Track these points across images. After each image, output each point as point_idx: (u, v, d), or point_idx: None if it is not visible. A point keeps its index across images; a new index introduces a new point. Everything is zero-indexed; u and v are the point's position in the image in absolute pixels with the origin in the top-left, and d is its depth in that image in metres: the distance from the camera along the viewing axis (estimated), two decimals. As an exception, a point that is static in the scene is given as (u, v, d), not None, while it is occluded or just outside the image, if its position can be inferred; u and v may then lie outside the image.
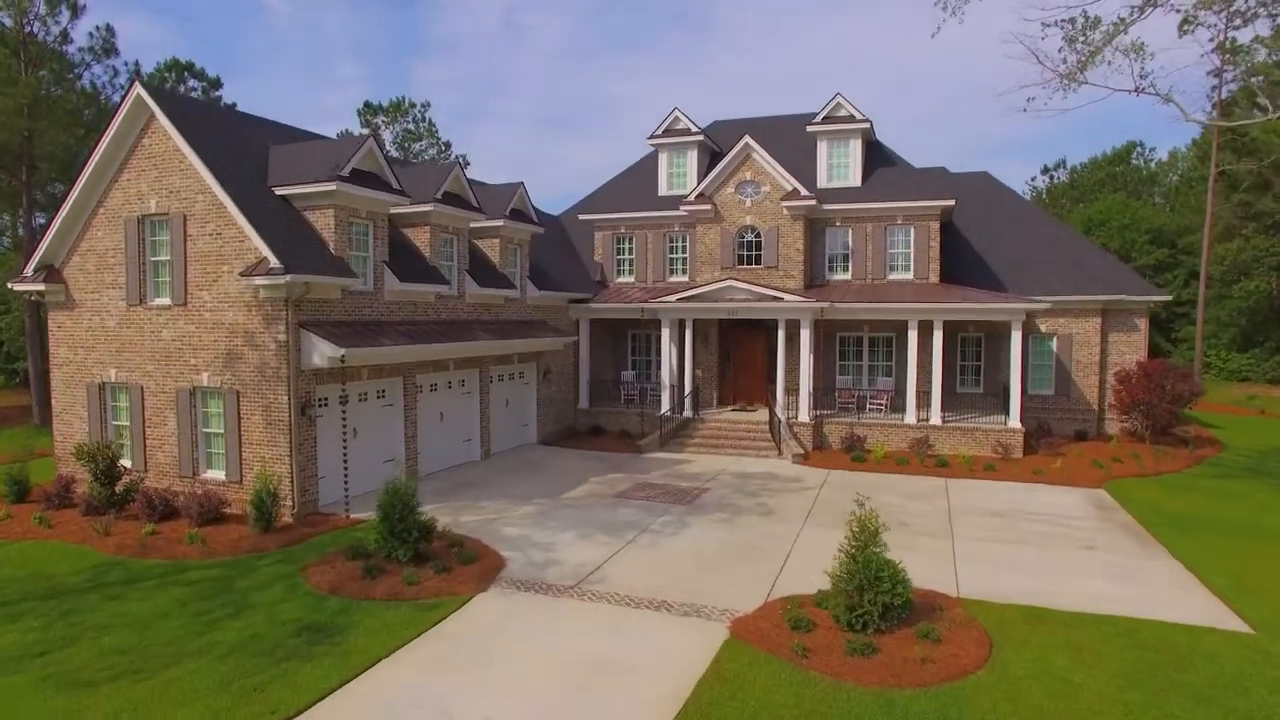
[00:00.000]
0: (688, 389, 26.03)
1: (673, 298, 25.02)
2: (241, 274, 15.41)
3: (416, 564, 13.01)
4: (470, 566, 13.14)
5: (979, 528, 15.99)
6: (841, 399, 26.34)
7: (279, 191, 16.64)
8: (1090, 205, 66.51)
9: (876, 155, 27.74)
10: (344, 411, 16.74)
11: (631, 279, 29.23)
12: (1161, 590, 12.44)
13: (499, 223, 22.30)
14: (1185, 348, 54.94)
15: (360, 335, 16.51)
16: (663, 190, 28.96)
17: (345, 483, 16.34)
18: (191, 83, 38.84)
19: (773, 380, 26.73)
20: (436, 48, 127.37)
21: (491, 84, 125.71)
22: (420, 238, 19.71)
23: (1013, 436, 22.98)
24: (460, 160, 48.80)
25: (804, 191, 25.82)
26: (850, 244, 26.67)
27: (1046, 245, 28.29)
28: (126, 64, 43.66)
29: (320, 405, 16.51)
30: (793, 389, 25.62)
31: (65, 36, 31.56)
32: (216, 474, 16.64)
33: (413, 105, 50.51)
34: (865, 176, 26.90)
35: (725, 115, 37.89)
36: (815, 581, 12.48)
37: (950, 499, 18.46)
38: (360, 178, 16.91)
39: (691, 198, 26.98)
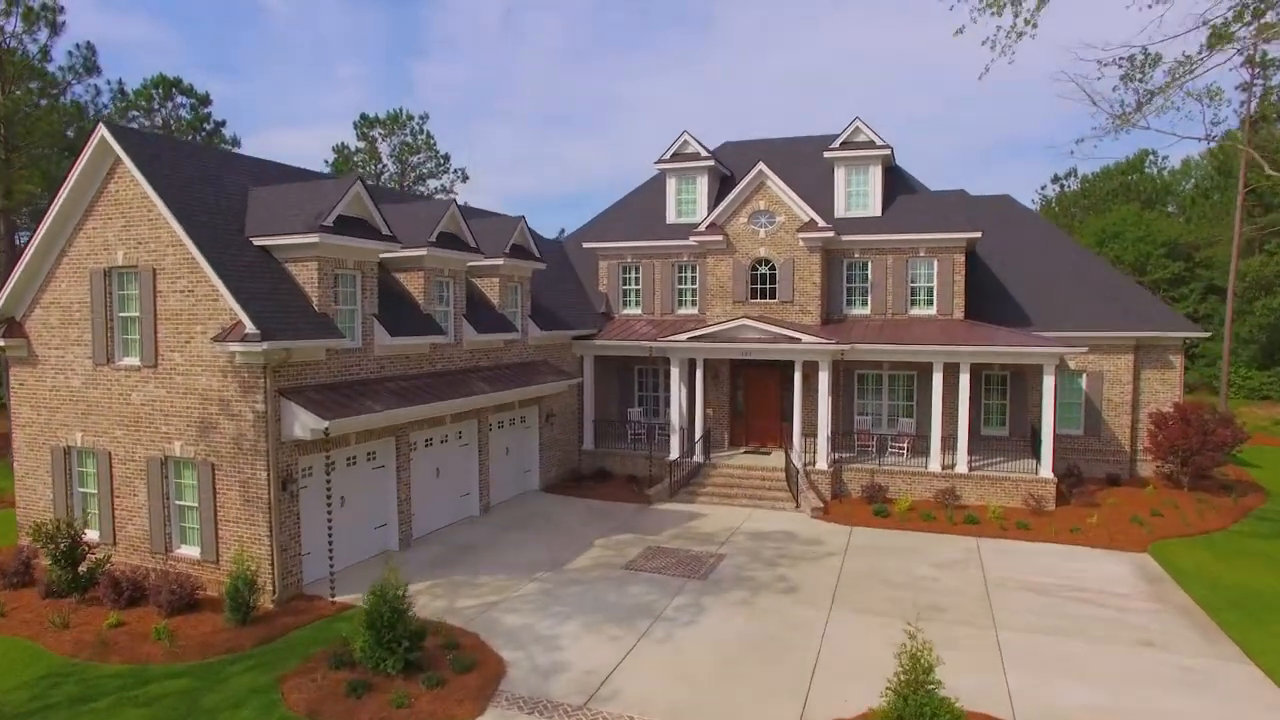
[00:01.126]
0: (698, 431, 24.62)
1: (683, 336, 23.62)
2: (215, 339, 14.02)
3: (407, 676, 11.63)
4: (467, 676, 11.77)
5: (1022, 611, 14.59)
6: (860, 440, 24.95)
7: (258, 242, 15.23)
8: (1103, 216, 65.10)
9: (896, 181, 26.32)
10: (329, 480, 15.34)
11: (638, 311, 27.83)
12: (1241, 705, 11.05)
13: (498, 261, 20.90)
14: (1203, 364, 53.56)
15: (347, 399, 15.11)
16: (671, 218, 27.55)
17: (330, 562, 14.94)
18: (179, 99, 37.43)
19: (788, 419, 25.35)
20: (436, 46, 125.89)
21: (491, 83, 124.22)
22: (413, 283, 18.31)
23: (1045, 488, 21.58)
24: (455, 197, 47.31)
25: (821, 223, 24.41)
26: (870, 277, 25.26)
27: (1074, 275, 26.88)
28: (109, 82, 41.96)
29: (304, 475, 15.13)
30: (809, 431, 24.24)
31: (45, 54, 30.15)
32: (190, 551, 15.25)
33: (410, 117, 49.10)
34: (885, 205, 25.48)
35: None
36: (852, 698, 11.10)
37: (985, 568, 17.06)
38: (346, 225, 15.51)
39: (702, 228, 25.57)
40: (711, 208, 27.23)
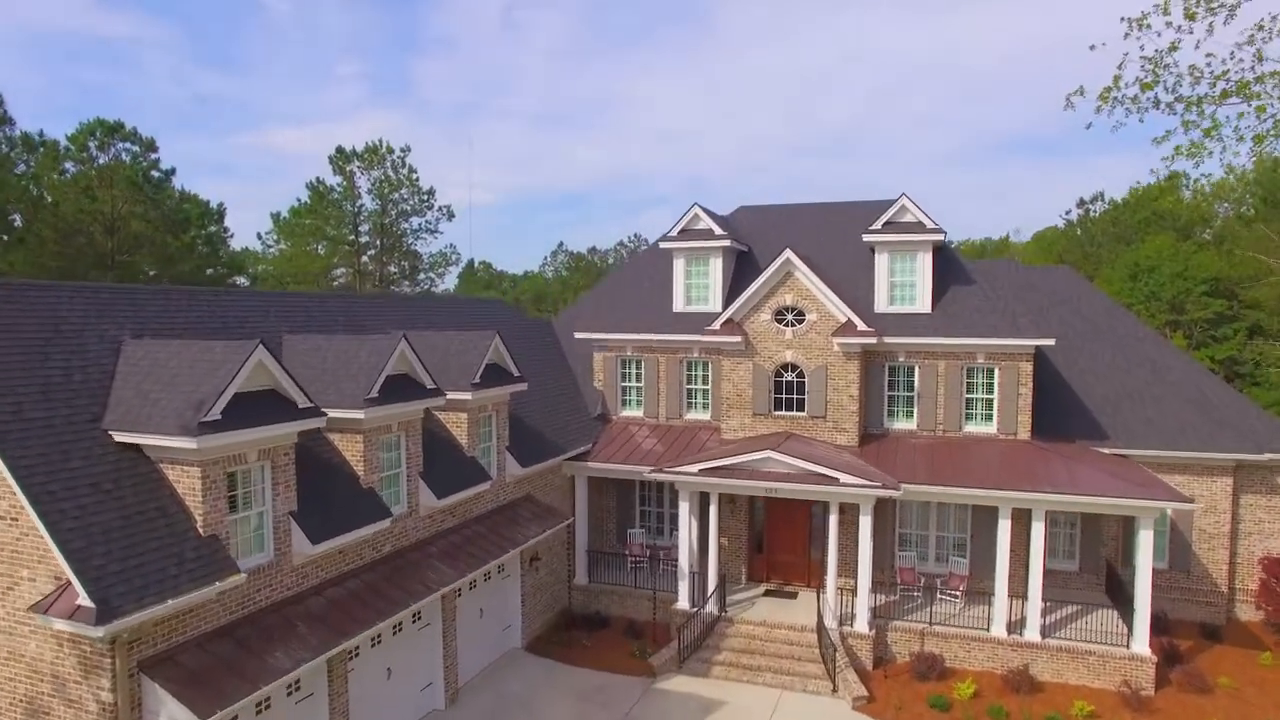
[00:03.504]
0: (711, 568, 20.46)
1: (693, 467, 19.51)
2: (32, 608, 9.93)
3: None
4: None
5: None
6: (903, 580, 20.86)
7: (121, 438, 11.14)
8: (1136, 248, 60.95)
9: (946, 266, 22.17)
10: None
11: (640, 413, 23.71)
12: None
13: (465, 396, 16.80)
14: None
15: (244, 656, 11.02)
16: (679, 305, 23.42)
17: None
18: (122, 145, 33.22)
19: (816, 551, 21.28)
20: (435, 45, 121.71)
21: (491, 82, 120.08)
22: (350, 448, 14.21)
23: (1141, 668, 17.51)
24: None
25: (861, 325, 20.31)
26: (917, 385, 21.16)
27: (1153, 372, 22.78)
28: (34, 134, 34.19)
29: (185, 757, 11.04)
30: (845, 570, 20.22)
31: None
32: None
33: (390, 150, 44.94)
34: (936, 299, 21.35)
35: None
36: None
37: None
38: (244, 409, 11.41)
39: (716, 325, 21.47)
40: (726, 291, 23.12)
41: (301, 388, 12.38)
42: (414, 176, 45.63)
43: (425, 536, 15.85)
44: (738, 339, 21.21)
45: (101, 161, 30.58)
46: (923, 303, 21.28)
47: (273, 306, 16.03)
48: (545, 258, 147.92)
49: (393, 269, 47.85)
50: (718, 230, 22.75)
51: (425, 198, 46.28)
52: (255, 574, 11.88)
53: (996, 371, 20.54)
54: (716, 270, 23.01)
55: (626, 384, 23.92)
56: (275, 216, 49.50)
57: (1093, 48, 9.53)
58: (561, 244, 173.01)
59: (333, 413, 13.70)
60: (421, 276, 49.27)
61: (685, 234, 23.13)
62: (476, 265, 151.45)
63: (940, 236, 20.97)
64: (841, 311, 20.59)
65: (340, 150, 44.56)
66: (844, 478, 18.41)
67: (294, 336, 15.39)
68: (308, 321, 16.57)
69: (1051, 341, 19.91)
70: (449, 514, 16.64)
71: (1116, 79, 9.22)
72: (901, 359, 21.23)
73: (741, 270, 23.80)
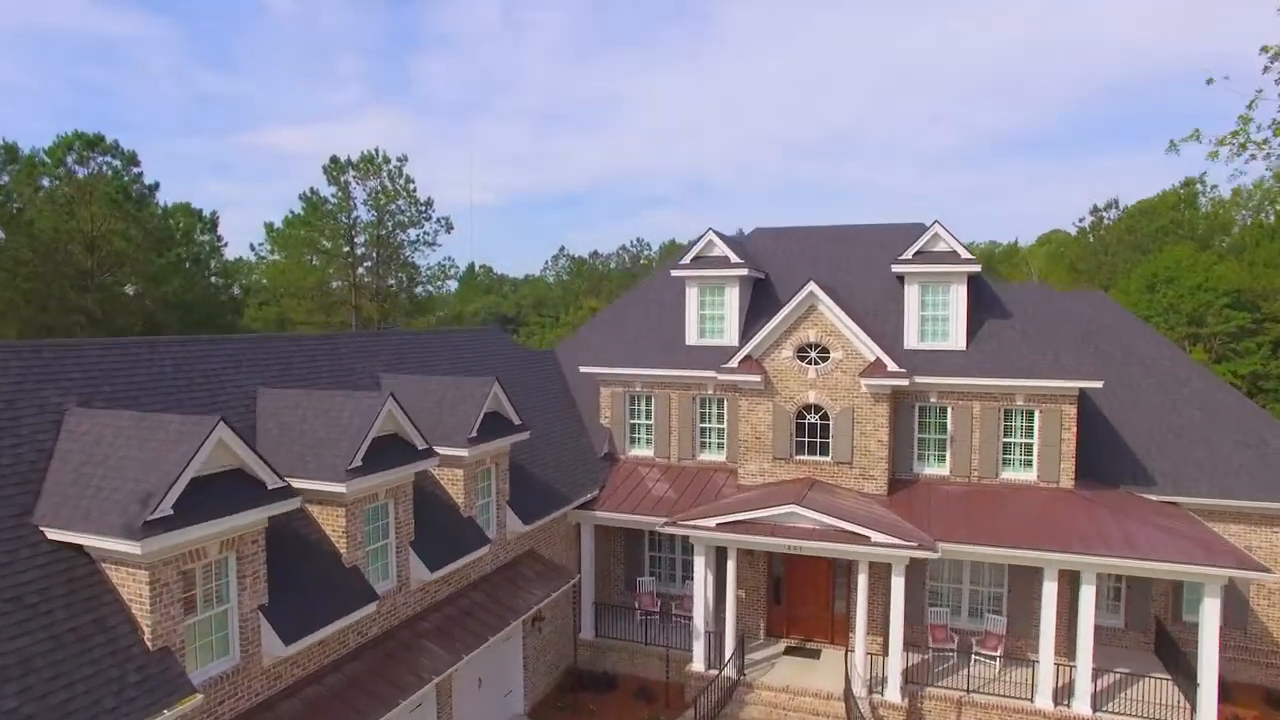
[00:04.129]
0: (729, 634, 18.84)
1: (710, 521, 17.93)
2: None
3: None
4: None
5: None
6: (935, 638, 19.27)
7: (55, 536, 9.56)
8: (1153, 258, 59.30)
9: (979, 296, 20.55)
10: None
11: (649, 452, 22.13)
12: None
13: (462, 453, 15.21)
14: (1278, 436, 47.70)
15: (199, 788, 9.45)
16: (692, 337, 21.82)
17: None
18: (102, 159, 31.58)
19: (841, 604, 19.72)
20: (436, 45, 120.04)
21: (492, 81, 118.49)
22: (331, 522, 12.63)
23: (1205, 748, 15.93)
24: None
25: (891, 365, 18.72)
26: (950, 427, 19.57)
27: (1200, 410, 21.16)
28: (9, 143, 31.79)
29: None
30: (874, 629, 18.68)
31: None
32: None
33: (387, 159, 43.36)
34: (971, 334, 19.76)
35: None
36: None
37: None
38: (203, 496, 9.83)
39: (734, 363, 19.88)
40: (743, 322, 21.54)
41: (270, 466, 10.78)
42: (411, 187, 44.05)
43: (417, 612, 14.28)
44: (757, 378, 19.62)
45: (81, 176, 28.99)
46: (956, 339, 19.68)
47: (245, 356, 14.45)
48: (546, 262, 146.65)
49: (390, 282, 46.28)
50: (734, 258, 21.15)
51: (423, 208, 44.72)
52: (217, 684, 10.31)
53: (1037, 414, 18.95)
54: (732, 300, 21.41)
55: (635, 421, 22.34)
56: (269, 226, 47.98)
57: (1210, 81, 7.93)
58: (563, 248, 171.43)
59: (311, 485, 12.14)
60: (419, 289, 47.72)
61: (699, 261, 21.53)
62: (477, 269, 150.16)
63: (976, 267, 19.38)
64: (870, 349, 19.00)
65: (335, 160, 42.97)
66: (876, 536, 16.82)
67: (270, 391, 13.81)
68: (285, 371, 14.99)
69: (1099, 384, 18.31)
70: (444, 583, 15.07)
71: (1246, 120, 7.61)
72: (933, 399, 19.64)
73: (759, 299, 22.23)
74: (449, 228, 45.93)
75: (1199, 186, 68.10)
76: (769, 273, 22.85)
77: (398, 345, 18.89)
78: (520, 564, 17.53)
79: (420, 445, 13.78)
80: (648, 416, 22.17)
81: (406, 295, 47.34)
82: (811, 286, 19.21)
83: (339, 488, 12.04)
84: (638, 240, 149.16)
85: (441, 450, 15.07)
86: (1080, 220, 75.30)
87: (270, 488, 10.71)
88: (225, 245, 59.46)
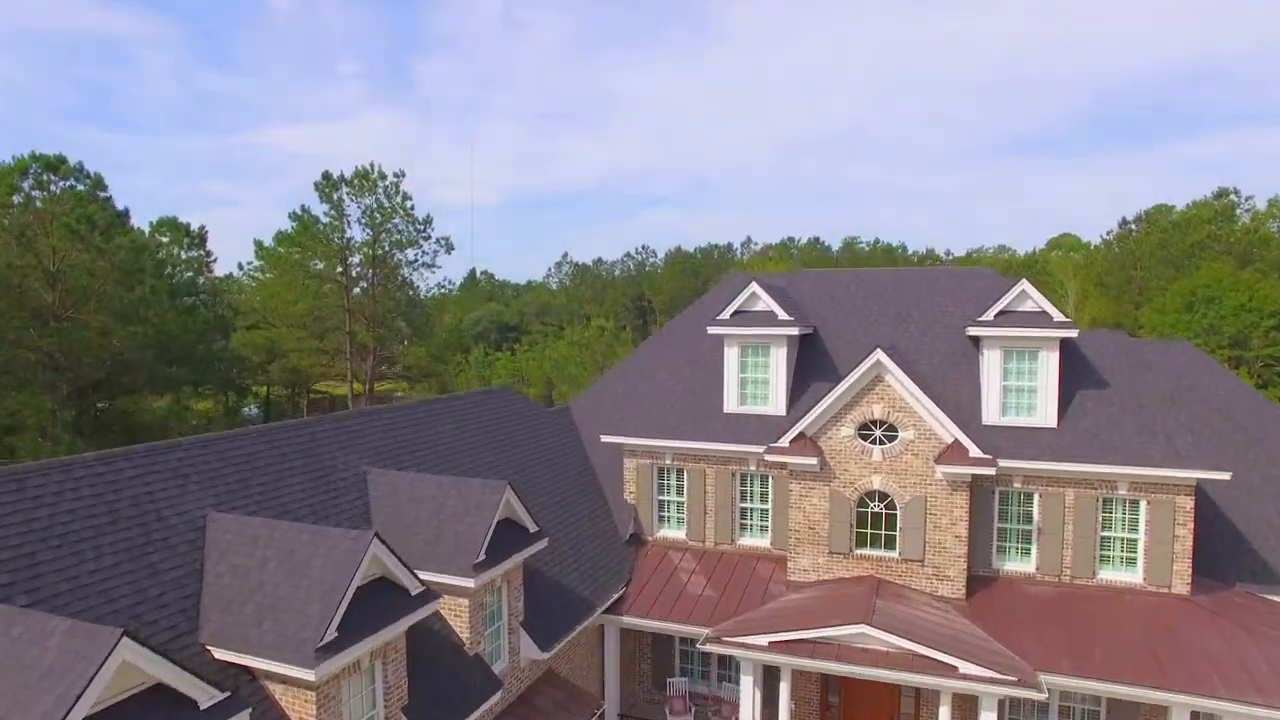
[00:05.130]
0: (779, 760, 16.00)
1: (761, 639, 15.03)
2: None
3: None
4: None
5: None
6: (1021, 763, 16.40)
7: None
8: (1190, 275, 56.33)
9: (1070, 361, 17.65)
10: None
11: (681, 534, 19.24)
12: None
13: (466, 582, 12.30)
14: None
15: None
16: (731, 404, 18.90)
17: None
18: (64, 184, 28.58)
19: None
20: (436, 44, 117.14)
21: (493, 81, 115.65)
22: (298, 707, 9.70)
23: None
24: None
25: (974, 450, 15.83)
26: (1037, 518, 16.68)
27: (1318, 489, 18.27)
28: None
29: None
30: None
31: None
32: None
33: (383, 176, 40.45)
34: (1063, 410, 16.85)
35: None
36: None
37: None
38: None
39: (785, 441, 16.99)
40: (790, 386, 18.63)
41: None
42: (409, 204, 41.15)
43: (410, 790, 11.39)
44: (812, 460, 16.73)
45: (41, 203, 26.09)
46: (1045, 414, 16.77)
47: (195, 466, 11.57)
48: (550, 269, 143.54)
49: (387, 304, 43.36)
50: (781, 313, 18.23)
51: (421, 227, 41.79)
52: None
53: (1143, 505, 16.06)
54: (779, 362, 18.48)
55: (665, 497, 19.45)
56: (259, 244, 45.11)
57: None
58: (566, 255, 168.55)
59: (268, 665, 9.25)
60: (417, 313, 44.83)
61: (740, 317, 18.61)
62: (479, 275, 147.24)
63: (1072, 332, 16.46)
64: (947, 429, 16.11)
65: (327, 176, 40.04)
66: (965, 667, 13.92)
67: (223, 519, 10.91)
68: (247, 479, 12.10)
69: (1226, 476, 15.38)
70: (443, 741, 12.18)
71: None
72: (1017, 484, 16.74)
73: (805, 355, 19.33)
74: (449, 248, 43.12)
75: (1233, 197, 65.21)
76: (816, 327, 19.95)
77: (389, 424, 15.98)
78: (536, 694, 14.63)
79: (415, 588, 10.87)
80: (679, 493, 19.28)
81: (404, 319, 44.49)
82: (878, 355, 16.31)
83: (305, 673, 9.13)
84: (643, 247, 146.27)
85: (441, 579, 12.21)
86: (1108, 233, 72.25)
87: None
88: (214, 260, 56.66)
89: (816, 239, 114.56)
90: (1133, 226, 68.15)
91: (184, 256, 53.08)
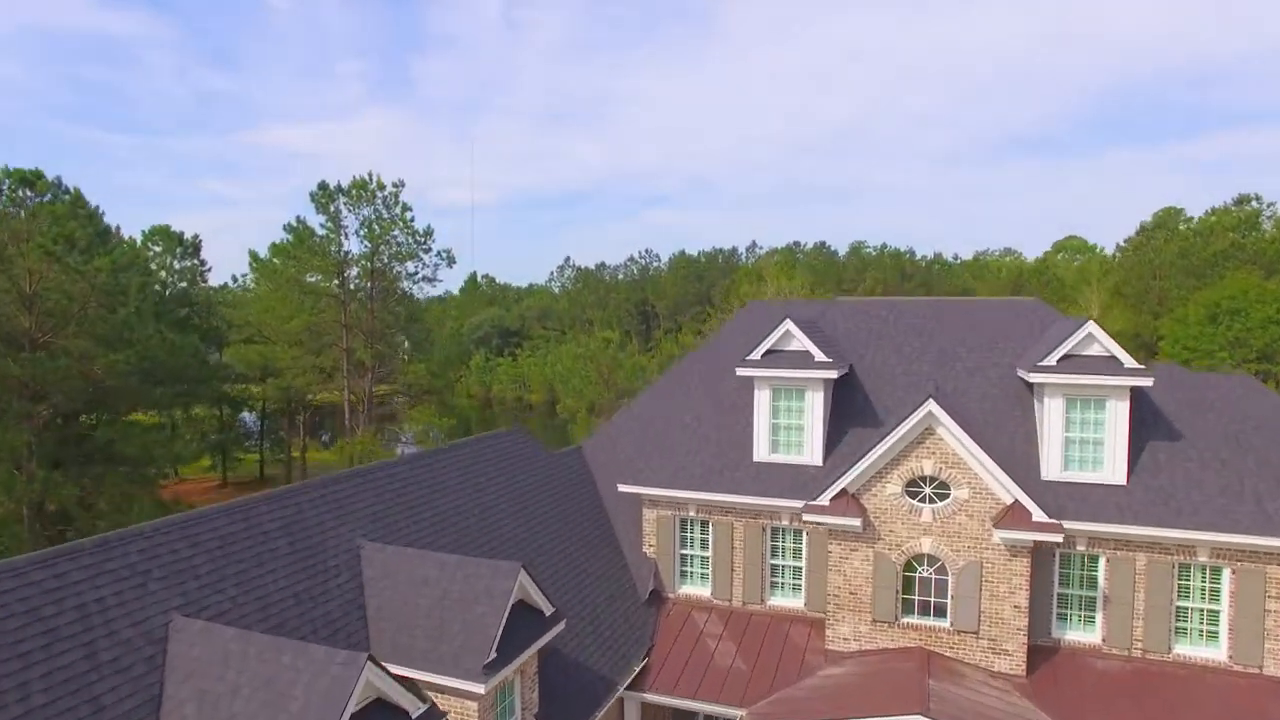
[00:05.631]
0: None
1: (805, 729, 13.41)
2: None
3: None
4: None
5: None
6: None
7: None
8: (1212, 284, 54.70)
9: (1139, 412, 15.99)
10: None
11: (705, 591, 17.60)
12: None
13: (476, 686, 10.65)
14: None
15: None
16: (761, 452, 17.25)
17: None
18: (40, 198, 26.89)
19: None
20: (437, 44, 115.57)
21: (493, 80, 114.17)
22: None
23: None
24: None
25: (1038, 513, 14.19)
26: (1104, 585, 15.05)
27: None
28: None
29: None
30: None
31: None
32: None
33: (382, 186, 38.83)
34: (1133, 464, 15.22)
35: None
36: None
37: None
38: None
39: (824, 499, 15.35)
40: (827, 433, 16.99)
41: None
42: (408, 215, 39.52)
43: None
44: (855, 521, 15.09)
45: (14, 223, 24.50)
46: (1114, 470, 15.13)
47: (159, 558, 9.93)
48: (552, 272, 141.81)
49: (386, 318, 41.73)
50: (818, 354, 16.57)
51: (421, 239, 40.15)
52: None
53: (1226, 574, 14.44)
54: (815, 407, 16.83)
55: (688, 551, 17.82)
56: (253, 255, 43.51)
57: None
58: (568, 259, 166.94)
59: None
60: (417, 326, 43.21)
61: (772, 357, 16.96)
62: (480, 279, 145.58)
63: (1146, 381, 14.82)
64: (1006, 488, 14.48)
65: (323, 186, 38.38)
66: (1038, 768, 12.29)
67: (191, 625, 9.29)
68: (220, 571, 10.46)
69: (1325, 545, 13.76)
70: None
71: None
72: (1081, 547, 15.11)
73: (841, 395, 17.68)
74: (451, 261, 41.46)
75: (1255, 203, 63.56)
76: (852, 363, 18.31)
77: (387, 481, 14.35)
78: (550, 793, 13.00)
79: (416, 709, 9.24)
80: (704, 547, 17.64)
81: (404, 333, 42.89)
82: (931, 406, 14.67)
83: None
84: (646, 251, 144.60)
85: (447, 682, 10.59)
86: (1125, 242, 70.59)
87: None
88: (209, 270, 55.08)
89: (823, 243, 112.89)
90: (1151, 234, 66.45)
91: (177, 266, 51.55)
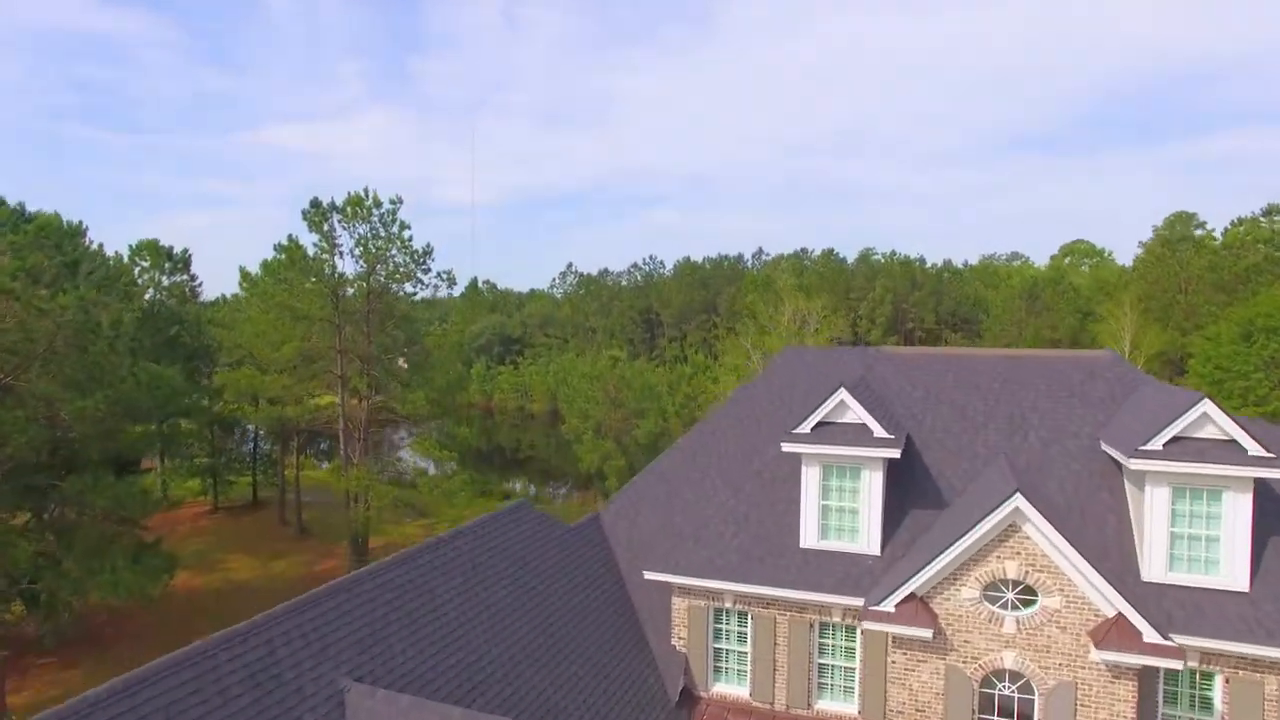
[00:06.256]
0: None
1: None
2: None
3: None
4: None
5: None
6: None
7: None
8: (1248, 303, 52.46)
9: (1264, 507, 13.77)
10: None
11: (743, 691, 15.40)
12: None
13: None
14: None
15: None
16: (809, 538, 15.04)
17: None
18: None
19: None
20: (437, 43, 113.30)
21: (493, 80, 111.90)
22: None
23: None
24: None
25: (1150, 634, 11.99)
26: (1222, 708, 12.86)
27: None
28: None
29: None
30: None
31: None
32: None
33: (378, 203, 36.63)
34: (1256, 566, 13.02)
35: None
36: None
37: None
38: None
39: (889, 606, 13.14)
40: (884, 517, 14.79)
41: None
42: (407, 234, 37.29)
43: None
44: (926, 632, 12.90)
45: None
46: (1232, 573, 12.93)
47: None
48: (554, 279, 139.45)
49: (384, 341, 39.51)
50: (878, 430, 14.34)
51: (420, 259, 37.93)
52: None
53: (1366, 698, 12.25)
54: (873, 488, 14.62)
55: (723, 645, 15.62)
56: (244, 273, 41.33)
57: None
58: (571, 264, 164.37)
59: None
60: (416, 349, 41.03)
61: (824, 431, 14.74)
62: (481, 285, 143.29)
63: (1275, 472, 12.59)
64: (1108, 598, 12.28)
65: (316, 203, 36.18)
66: None
67: None
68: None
69: None
70: None
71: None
72: (1193, 663, 12.92)
73: (898, 467, 15.49)
74: (451, 282, 39.28)
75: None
76: (910, 428, 16.11)
77: (374, 597, 12.14)
78: None
79: None
80: (741, 641, 15.45)
81: (403, 357, 40.69)
82: (1018, 501, 12.45)
83: None
84: (650, 257, 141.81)
85: None
86: (1140, 244, 68.25)
87: None
88: (200, 285, 52.92)
89: (831, 250, 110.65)
90: (1174, 245, 64.15)
91: (165, 282, 49.36)
